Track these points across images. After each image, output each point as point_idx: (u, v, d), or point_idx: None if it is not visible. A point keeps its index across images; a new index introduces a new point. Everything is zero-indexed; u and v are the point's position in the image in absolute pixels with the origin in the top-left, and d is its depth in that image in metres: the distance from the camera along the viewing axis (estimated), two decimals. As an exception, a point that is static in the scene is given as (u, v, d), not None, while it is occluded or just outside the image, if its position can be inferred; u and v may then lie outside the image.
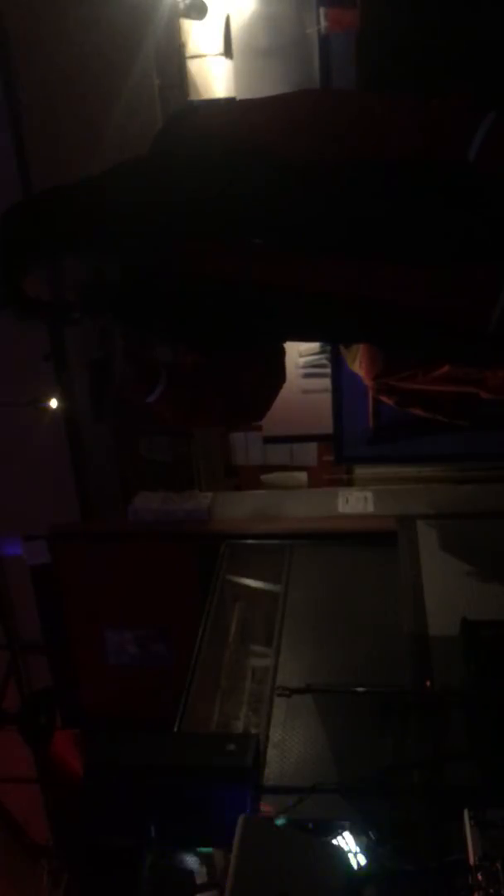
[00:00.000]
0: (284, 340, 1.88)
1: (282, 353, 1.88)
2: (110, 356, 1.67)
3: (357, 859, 2.96)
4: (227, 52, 4.87)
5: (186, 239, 1.59)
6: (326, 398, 4.90)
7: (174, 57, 4.73)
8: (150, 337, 1.79)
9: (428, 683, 3.59)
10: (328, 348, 5.09)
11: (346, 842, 3.02)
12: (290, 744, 3.66)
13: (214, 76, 5.06)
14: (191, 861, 3.73)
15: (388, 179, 1.54)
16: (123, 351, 1.68)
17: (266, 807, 3.21)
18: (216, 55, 4.99)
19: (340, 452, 4.90)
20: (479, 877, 2.45)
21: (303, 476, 6.60)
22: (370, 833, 3.02)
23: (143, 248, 1.61)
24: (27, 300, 1.62)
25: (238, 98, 4.96)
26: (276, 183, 1.55)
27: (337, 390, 4.64)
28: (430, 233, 1.57)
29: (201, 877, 3.73)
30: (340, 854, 2.95)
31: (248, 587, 4.92)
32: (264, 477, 6.76)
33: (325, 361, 5.50)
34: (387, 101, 1.56)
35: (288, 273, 1.60)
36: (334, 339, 1.98)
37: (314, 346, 5.63)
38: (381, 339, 2.07)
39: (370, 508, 4.96)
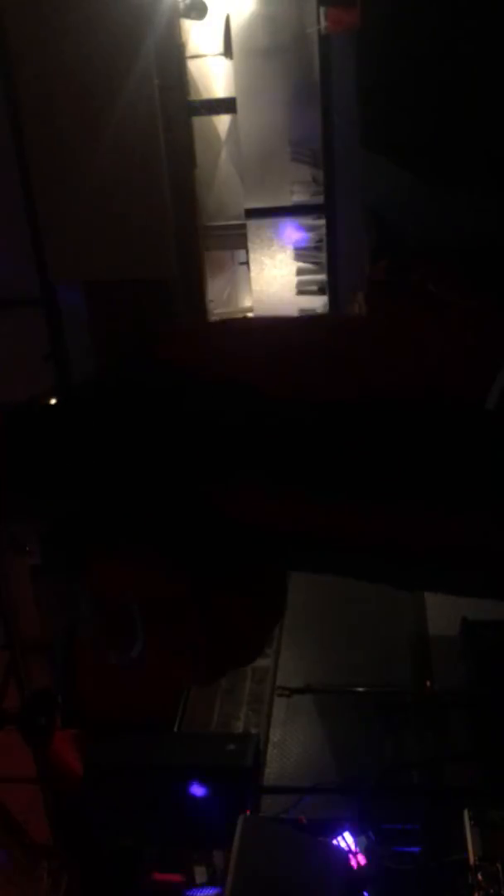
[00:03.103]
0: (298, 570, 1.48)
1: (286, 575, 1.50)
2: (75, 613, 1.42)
3: (357, 859, 2.96)
4: (227, 52, 4.86)
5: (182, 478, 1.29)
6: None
7: (174, 57, 4.71)
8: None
9: (428, 683, 3.59)
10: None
11: (346, 842, 3.02)
12: (290, 744, 3.65)
13: (214, 76, 5.05)
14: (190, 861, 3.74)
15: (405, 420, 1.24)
16: (91, 602, 1.41)
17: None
18: (216, 55, 4.98)
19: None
20: (479, 877, 2.45)
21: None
22: (370, 833, 3.02)
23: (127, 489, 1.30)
24: None
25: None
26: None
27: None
28: (467, 472, 1.26)
29: (201, 877, 3.73)
30: (340, 854, 2.95)
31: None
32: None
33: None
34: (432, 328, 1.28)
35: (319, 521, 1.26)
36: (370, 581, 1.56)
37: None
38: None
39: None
